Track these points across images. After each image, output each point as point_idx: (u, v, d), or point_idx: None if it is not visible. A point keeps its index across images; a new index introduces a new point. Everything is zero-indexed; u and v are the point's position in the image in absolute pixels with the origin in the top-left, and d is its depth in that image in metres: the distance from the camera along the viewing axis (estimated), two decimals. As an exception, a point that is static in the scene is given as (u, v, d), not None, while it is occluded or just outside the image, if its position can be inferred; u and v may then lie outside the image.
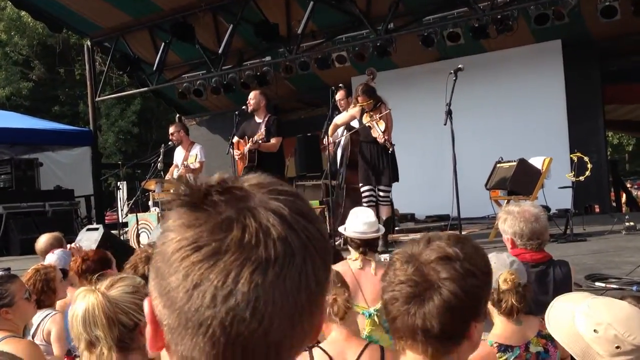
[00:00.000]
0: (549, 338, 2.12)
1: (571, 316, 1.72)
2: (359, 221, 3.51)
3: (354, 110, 7.09)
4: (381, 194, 6.89)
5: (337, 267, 3.38)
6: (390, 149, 6.57)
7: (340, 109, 7.57)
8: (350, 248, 3.56)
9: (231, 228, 0.65)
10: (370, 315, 3.30)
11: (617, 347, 1.65)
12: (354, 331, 2.59)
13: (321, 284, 0.69)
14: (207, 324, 0.64)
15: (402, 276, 1.29)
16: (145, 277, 2.85)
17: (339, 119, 7.25)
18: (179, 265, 0.66)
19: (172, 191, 0.71)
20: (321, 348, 2.45)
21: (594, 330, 1.68)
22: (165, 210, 0.72)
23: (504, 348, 2.32)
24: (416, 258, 1.30)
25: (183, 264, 0.65)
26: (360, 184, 7.01)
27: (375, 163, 6.88)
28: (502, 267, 2.51)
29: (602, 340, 1.65)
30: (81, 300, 2.09)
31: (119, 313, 2.07)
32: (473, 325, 1.30)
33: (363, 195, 6.98)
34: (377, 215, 6.71)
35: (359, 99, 6.84)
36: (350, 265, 3.39)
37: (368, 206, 6.80)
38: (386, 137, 6.54)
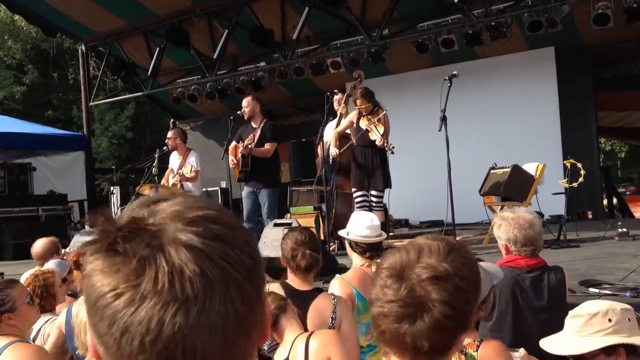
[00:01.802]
0: (468, 357, 2.16)
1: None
2: (362, 225, 3.46)
3: (352, 115, 7.10)
4: (374, 199, 6.87)
5: (350, 275, 3.37)
6: (392, 152, 6.56)
7: (337, 110, 7.57)
8: (354, 253, 3.50)
9: (144, 273, 0.65)
10: None
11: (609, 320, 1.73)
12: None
13: (250, 302, 0.69)
14: None
15: (392, 295, 1.27)
16: None
17: (340, 127, 7.23)
18: (103, 313, 0.66)
19: (86, 236, 0.72)
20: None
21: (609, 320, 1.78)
22: (84, 254, 0.71)
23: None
24: (407, 276, 1.27)
25: (107, 312, 0.66)
26: (353, 189, 7.01)
27: (368, 168, 6.88)
28: None
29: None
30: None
31: None
32: (461, 337, 1.31)
33: (356, 200, 6.97)
34: None
35: (358, 102, 6.85)
36: (366, 270, 3.35)
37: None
38: (385, 141, 6.55)
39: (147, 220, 0.69)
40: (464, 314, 1.28)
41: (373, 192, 6.86)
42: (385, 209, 8.28)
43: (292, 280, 3.11)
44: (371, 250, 3.45)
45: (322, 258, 3.18)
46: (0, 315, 2.82)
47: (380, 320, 1.29)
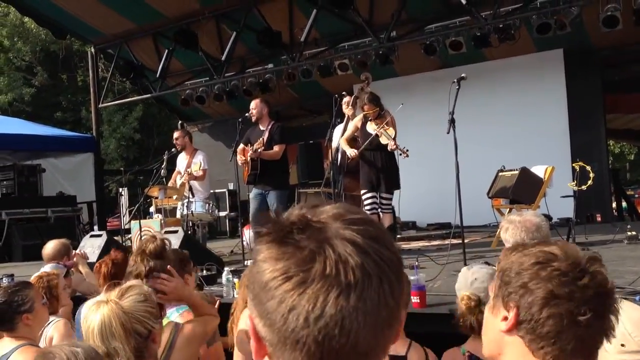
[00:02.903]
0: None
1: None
2: None
3: (356, 120, 7.11)
4: (383, 201, 6.88)
5: None
6: (406, 155, 6.57)
7: (345, 112, 7.58)
8: None
9: (314, 260, 0.75)
10: None
11: (622, 345, 1.68)
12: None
13: (397, 298, 0.79)
14: (303, 341, 0.76)
15: (601, 279, 1.26)
16: (155, 254, 2.85)
17: (346, 134, 7.23)
18: (274, 292, 0.77)
19: (259, 228, 0.83)
20: None
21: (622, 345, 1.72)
22: (255, 244, 0.83)
23: (474, 358, 2.44)
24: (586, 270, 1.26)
25: (277, 292, 0.76)
26: (363, 191, 7.01)
27: (378, 169, 6.89)
28: (463, 287, 2.62)
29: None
30: (95, 313, 2.08)
31: (134, 322, 2.06)
32: None
33: (365, 202, 6.96)
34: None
35: (365, 107, 6.86)
36: None
37: (371, 214, 6.82)
38: (397, 144, 6.57)
39: (313, 218, 0.80)
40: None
41: (383, 195, 6.86)
42: (393, 211, 8.30)
43: None
44: None
45: None
46: (20, 316, 2.85)
47: (556, 302, 1.23)
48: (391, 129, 6.72)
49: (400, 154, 6.64)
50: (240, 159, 7.39)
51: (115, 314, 2.05)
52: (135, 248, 3.11)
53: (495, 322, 1.32)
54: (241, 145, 7.42)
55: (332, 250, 0.75)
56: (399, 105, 6.88)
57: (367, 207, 6.87)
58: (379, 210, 6.91)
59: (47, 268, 4.30)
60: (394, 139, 6.64)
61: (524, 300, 1.25)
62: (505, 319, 1.28)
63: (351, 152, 7.02)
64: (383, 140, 6.68)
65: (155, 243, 2.90)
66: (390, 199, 6.94)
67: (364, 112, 6.94)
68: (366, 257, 0.76)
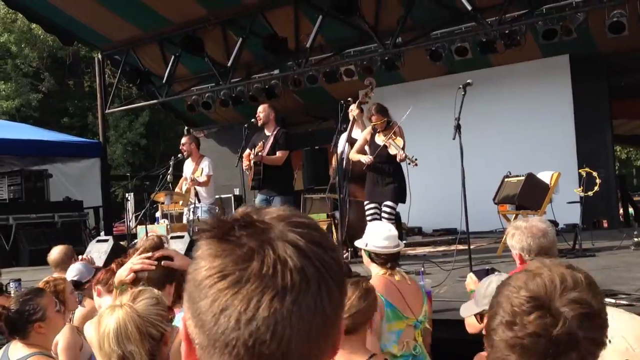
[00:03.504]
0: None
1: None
2: (380, 236, 3.49)
3: (366, 132, 7.11)
4: (387, 209, 6.81)
5: (375, 283, 3.38)
6: (415, 164, 6.54)
7: (351, 115, 7.58)
8: (373, 264, 3.52)
9: (252, 259, 0.73)
10: (420, 323, 3.34)
11: None
12: (363, 342, 2.67)
13: (336, 307, 0.76)
14: (233, 344, 0.72)
15: (539, 329, 1.19)
16: (154, 248, 2.86)
17: (355, 147, 7.21)
18: (208, 291, 0.74)
19: (201, 224, 0.80)
20: None
21: (608, 340, 1.70)
22: (196, 241, 0.80)
23: None
24: (555, 311, 1.20)
25: (211, 291, 0.73)
26: (366, 202, 7.01)
27: (383, 183, 6.86)
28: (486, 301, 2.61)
29: (612, 351, 1.68)
30: (109, 316, 2.09)
31: (148, 326, 2.07)
32: None
33: (367, 212, 6.95)
34: None
35: (374, 118, 6.87)
36: (389, 279, 3.39)
37: None
38: (406, 154, 6.55)
39: (257, 218, 0.78)
40: (602, 347, 1.26)
41: (387, 204, 6.81)
42: (398, 218, 8.28)
43: None
44: (392, 260, 3.48)
45: None
46: (32, 325, 2.85)
47: (516, 349, 1.22)
48: (399, 139, 6.72)
49: (409, 164, 6.62)
50: (245, 164, 7.41)
51: (130, 317, 2.06)
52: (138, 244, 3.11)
53: None
54: (247, 151, 7.44)
55: (272, 251, 0.73)
56: (408, 109, 6.84)
57: (369, 218, 6.83)
58: (380, 219, 6.84)
59: (79, 265, 4.31)
60: (403, 148, 6.63)
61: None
62: None
63: (366, 158, 6.97)
64: (392, 150, 6.67)
65: (152, 239, 2.91)
66: (394, 208, 6.86)
67: (372, 123, 6.93)
68: (306, 261, 0.74)
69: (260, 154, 7.14)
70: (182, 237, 6.61)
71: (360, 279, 2.93)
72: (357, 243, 3.68)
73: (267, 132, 7.47)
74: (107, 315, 2.11)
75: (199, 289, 0.75)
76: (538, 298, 1.22)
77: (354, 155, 7.18)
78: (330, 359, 0.80)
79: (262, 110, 7.49)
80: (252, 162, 7.22)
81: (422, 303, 3.47)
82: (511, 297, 1.25)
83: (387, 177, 6.86)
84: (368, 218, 6.82)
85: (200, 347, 0.76)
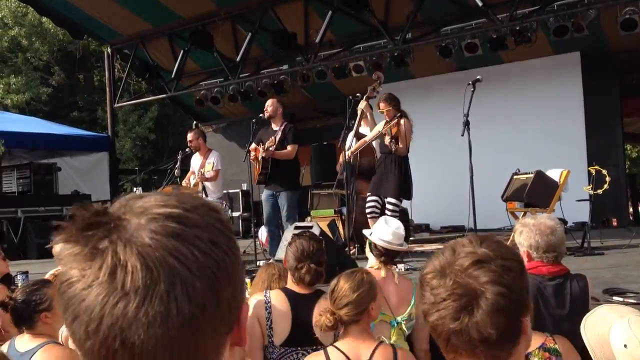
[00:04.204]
0: (552, 352, 2.13)
1: (609, 325, 1.75)
2: (388, 230, 3.51)
3: (380, 125, 7.06)
4: (389, 206, 6.72)
5: None
6: (394, 149, 6.48)
7: (359, 113, 7.56)
8: (371, 254, 3.56)
9: (92, 262, 0.67)
10: (397, 324, 3.31)
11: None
12: (368, 331, 2.68)
13: (200, 301, 0.68)
14: (91, 354, 0.68)
15: (443, 293, 1.24)
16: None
17: (368, 137, 7.20)
18: (61, 299, 0.70)
19: (71, 213, 0.72)
20: (336, 347, 2.54)
21: (624, 345, 1.69)
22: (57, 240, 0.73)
23: None
24: (450, 270, 1.25)
25: (64, 298, 0.69)
26: (368, 193, 6.98)
27: (386, 175, 6.81)
28: None
29: (628, 356, 1.66)
30: None
31: None
32: (524, 319, 1.28)
33: (367, 205, 6.90)
34: None
35: (381, 105, 6.83)
36: (374, 273, 3.37)
37: (370, 217, 6.78)
38: (393, 141, 6.49)
39: (116, 213, 0.71)
40: (518, 292, 1.25)
41: (389, 200, 6.73)
42: (405, 215, 8.25)
43: (293, 285, 3.14)
44: (387, 255, 3.48)
45: (328, 269, 3.20)
46: (38, 314, 2.86)
47: (440, 326, 1.25)
48: (395, 128, 6.65)
49: (389, 146, 6.54)
50: (252, 156, 7.41)
51: None
52: None
53: None
54: (253, 145, 7.43)
55: (113, 252, 0.67)
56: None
57: (368, 210, 6.80)
58: (380, 215, 6.75)
59: None
60: (396, 139, 6.55)
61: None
62: None
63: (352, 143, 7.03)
64: (386, 140, 6.63)
65: None
66: (397, 205, 6.77)
67: (379, 110, 6.91)
68: (155, 260, 0.67)
69: (271, 148, 7.13)
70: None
71: (356, 270, 2.94)
72: (365, 231, 3.72)
73: (274, 127, 7.45)
74: None
75: (59, 293, 0.70)
76: (435, 270, 1.28)
77: (360, 143, 7.15)
78: (234, 346, 0.76)
79: (270, 104, 7.49)
80: (261, 156, 7.21)
81: (409, 305, 3.42)
82: (424, 287, 1.30)
83: (389, 170, 6.81)
84: (367, 211, 6.77)
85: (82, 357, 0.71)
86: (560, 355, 2.08)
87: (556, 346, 2.08)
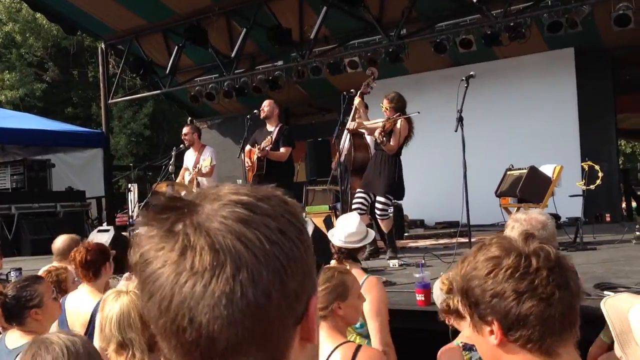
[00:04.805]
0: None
1: (629, 305, 1.84)
2: (342, 230, 3.56)
3: (381, 120, 7.01)
4: (379, 205, 6.63)
5: None
6: (380, 142, 6.46)
7: (353, 108, 7.54)
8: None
9: (167, 243, 0.71)
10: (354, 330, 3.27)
11: None
12: (339, 330, 2.67)
13: (265, 288, 0.70)
14: (163, 332, 0.71)
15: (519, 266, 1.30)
16: None
17: (368, 122, 7.11)
18: (139, 279, 0.73)
19: (153, 199, 0.76)
20: None
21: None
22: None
23: (468, 347, 2.47)
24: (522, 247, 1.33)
25: (141, 278, 0.73)
26: (358, 189, 6.94)
27: (376, 171, 6.74)
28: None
29: None
30: (114, 302, 2.09)
31: None
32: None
33: (354, 200, 6.81)
34: (376, 225, 6.65)
35: (384, 101, 6.78)
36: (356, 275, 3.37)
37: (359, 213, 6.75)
38: (382, 133, 6.45)
39: (191, 199, 0.75)
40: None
41: (379, 199, 6.64)
42: (400, 210, 8.26)
43: None
44: (341, 254, 3.56)
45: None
46: (28, 311, 2.86)
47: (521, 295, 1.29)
48: (390, 124, 6.59)
49: (377, 139, 6.53)
50: (246, 162, 7.41)
51: (135, 305, 2.06)
52: None
53: (485, 340, 1.35)
54: (248, 147, 7.42)
55: (184, 234, 0.70)
56: (416, 112, 6.71)
57: (354, 206, 6.68)
58: (367, 212, 6.68)
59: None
60: (388, 134, 6.51)
61: (498, 310, 1.30)
62: (492, 332, 1.32)
63: (351, 124, 7.02)
64: (376, 132, 6.58)
65: None
66: (387, 204, 6.64)
67: (381, 105, 6.87)
68: (223, 243, 0.69)
69: (267, 148, 7.13)
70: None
71: (335, 267, 2.95)
72: (329, 233, 3.78)
73: (269, 128, 7.47)
74: (111, 300, 2.11)
75: (137, 273, 0.74)
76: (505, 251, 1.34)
77: (357, 124, 7.12)
78: (305, 342, 0.77)
79: (267, 105, 7.51)
80: (256, 156, 7.22)
81: None
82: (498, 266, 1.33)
83: (379, 167, 6.71)
84: (353, 206, 6.67)
85: (159, 340, 0.74)
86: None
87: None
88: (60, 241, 4.99)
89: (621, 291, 3.89)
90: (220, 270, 0.69)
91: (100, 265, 3.65)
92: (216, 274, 0.68)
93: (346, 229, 3.57)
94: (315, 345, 0.80)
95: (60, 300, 3.44)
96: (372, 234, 3.78)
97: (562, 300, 1.27)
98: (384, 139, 6.46)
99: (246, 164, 7.45)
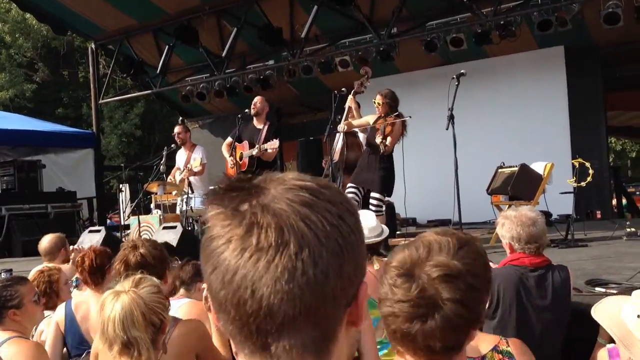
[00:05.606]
0: (505, 354, 2.15)
1: (618, 307, 1.85)
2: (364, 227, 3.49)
3: (371, 116, 7.00)
4: (373, 201, 6.62)
5: None
6: (382, 151, 6.47)
7: (347, 108, 7.53)
8: None
9: (233, 220, 0.75)
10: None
11: None
12: None
13: (324, 268, 0.74)
14: (224, 304, 0.75)
15: (401, 295, 1.24)
16: (138, 265, 2.87)
17: (356, 121, 7.12)
18: (203, 253, 0.78)
19: (219, 181, 0.81)
20: None
21: (638, 316, 1.77)
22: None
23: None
24: (417, 275, 1.24)
25: (206, 251, 0.77)
26: (348, 184, 6.92)
27: (368, 167, 6.72)
28: None
29: None
30: (114, 302, 2.07)
31: (151, 313, 2.07)
32: (473, 332, 1.30)
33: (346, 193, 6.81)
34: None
35: (377, 97, 6.73)
36: (368, 268, 3.38)
37: None
38: (383, 141, 6.45)
39: (257, 182, 0.79)
40: (476, 311, 1.27)
41: (374, 195, 6.63)
42: (392, 209, 8.26)
43: None
44: (369, 250, 3.48)
45: None
46: (7, 311, 2.84)
47: (391, 320, 1.27)
48: (390, 128, 6.58)
49: (379, 147, 6.51)
50: (230, 158, 7.42)
51: (137, 303, 2.05)
52: (119, 254, 3.09)
53: None
54: (229, 139, 7.46)
55: (252, 213, 0.74)
56: (408, 117, 6.69)
57: None
58: (359, 207, 6.68)
59: None
60: (385, 137, 6.51)
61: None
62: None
63: (342, 126, 6.99)
64: (377, 137, 6.57)
65: (135, 255, 2.92)
66: (380, 200, 6.64)
67: (374, 100, 6.83)
68: (287, 223, 0.74)
69: (268, 149, 7.16)
70: (174, 227, 6.57)
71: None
72: None
73: (257, 125, 7.49)
74: (111, 300, 2.09)
75: (202, 249, 0.78)
76: (402, 267, 1.28)
77: (347, 124, 7.10)
78: (352, 326, 0.80)
79: (259, 101, 7.52)
80: (249, 155, 7.27)
81: None
82: (385, 276, 1.32)
83: (372, 163, 6.70)
84: None
85: (214, 307, 0.78)
86: (512, 357, 2.11)
87: (509, 348, 2.11)
88: (46, 241, 4.96)
89: (612, 287, 3.92)
90: (284, 248, 0.72)
91: (106, 269, 3.64)
92: (280, 251, 0.72)
93: (366, 223, 3.50)
94: (358, 330, 0.83)
95: (64, 305, 3.42)
96: (385, 227, 3.75)
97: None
98: (385, 147, 6.44)
99: (230, 161, 7.43)
